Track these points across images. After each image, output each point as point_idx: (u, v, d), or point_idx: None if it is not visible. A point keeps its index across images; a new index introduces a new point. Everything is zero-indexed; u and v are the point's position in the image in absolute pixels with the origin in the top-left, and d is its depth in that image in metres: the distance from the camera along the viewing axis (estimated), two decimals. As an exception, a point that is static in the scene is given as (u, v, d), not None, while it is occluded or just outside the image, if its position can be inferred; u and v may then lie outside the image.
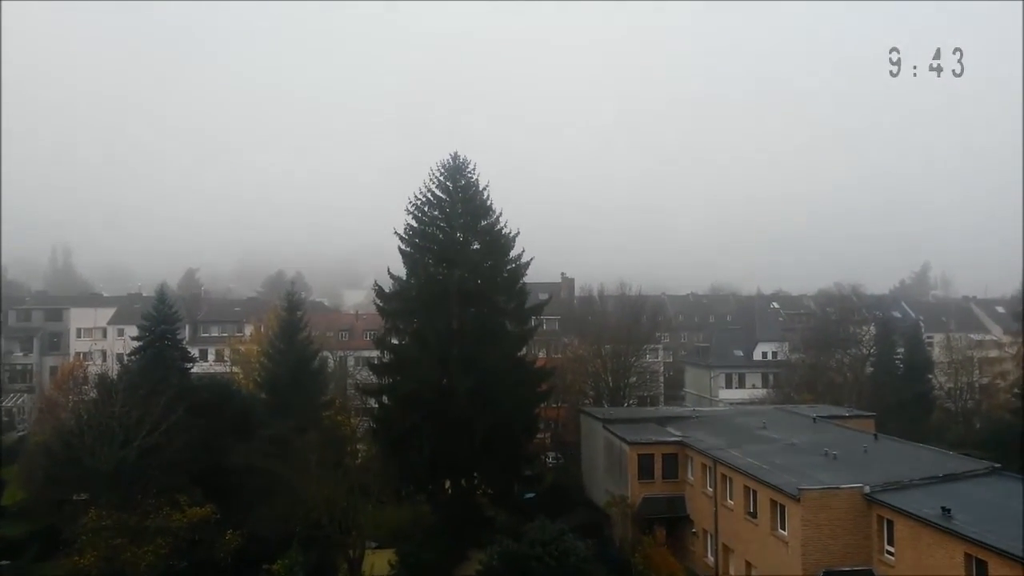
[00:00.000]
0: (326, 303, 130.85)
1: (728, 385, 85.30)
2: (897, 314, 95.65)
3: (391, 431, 47.02)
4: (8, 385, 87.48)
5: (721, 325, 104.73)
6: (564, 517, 39.72)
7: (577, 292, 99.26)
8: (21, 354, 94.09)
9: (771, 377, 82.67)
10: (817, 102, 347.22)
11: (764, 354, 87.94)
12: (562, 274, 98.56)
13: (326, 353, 68.65)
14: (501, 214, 48.58)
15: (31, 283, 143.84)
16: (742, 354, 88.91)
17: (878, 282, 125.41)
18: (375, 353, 54.85)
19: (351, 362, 75.80)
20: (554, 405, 61.60)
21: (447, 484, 46.86)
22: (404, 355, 48.15)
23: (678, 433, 45.90)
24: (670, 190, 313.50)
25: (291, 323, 59.65)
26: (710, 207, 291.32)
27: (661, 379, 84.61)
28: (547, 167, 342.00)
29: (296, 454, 39.32)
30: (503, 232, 48.39)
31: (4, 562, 41.61)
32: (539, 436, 55.18)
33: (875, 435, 42.50)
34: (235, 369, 72.27)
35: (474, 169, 48.64)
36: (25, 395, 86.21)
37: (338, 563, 38.19)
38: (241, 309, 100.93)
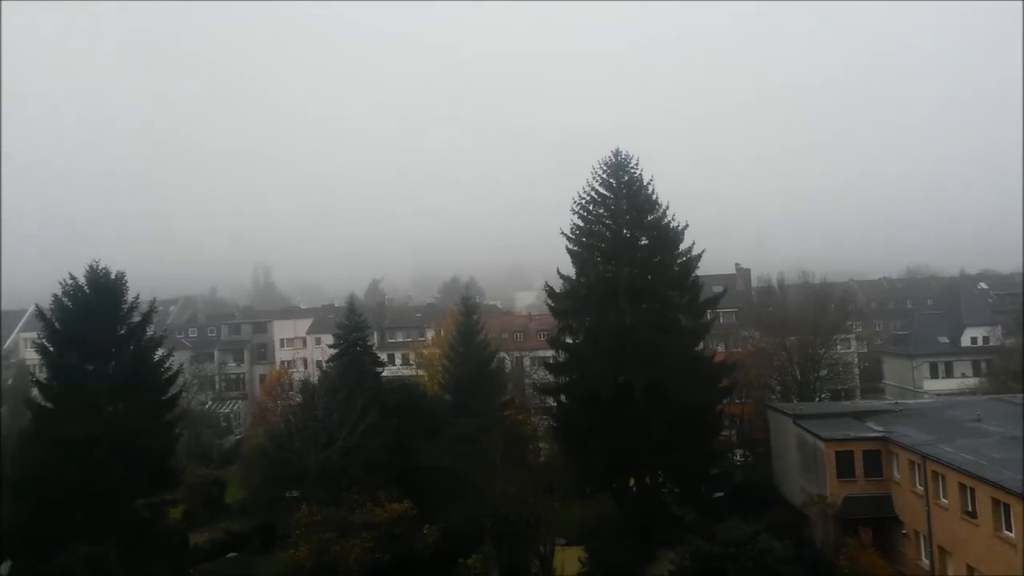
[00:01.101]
0: (499, 305, 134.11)
1: (933, 375, 78.36)
2: None
3: (570, 429, 47.34)
4: (225, 393, 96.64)
5: (921, 310, 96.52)
6: (757, 517, 38.13)
7: (754, 283, 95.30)
8: (234, 364, 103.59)
9: (983, 365, 75.08)
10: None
11: (973, 340, 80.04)
12: (736, 265, 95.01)
13: (503, 354, 70.32)
14: (668, 207, 47.60)
15: (239, 300, 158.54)
16: (948, 341, 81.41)
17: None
18: (550, 353, 55.47)
19: (527, 362, 77.15)
20: (737, 401, 59.47)
21: (631, 482, 46.45)
22: (579, 354, 48.31)
23: (879, 428, 42.78)
24: (848, 167, 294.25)
25: (468, 326, 61.70)
26: (901, 181, 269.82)
27: (856, 371, 79.14)
28: (717, 155, 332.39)
29: (482, 452, 40.49)
30: (671, 226, 47.31)
31: (231, 554, 46.05)
32: (724, 433, 53.44)
33: (1117, 426, 37.39)
34: (420, 372, 75.71)
35: (637, 164, 47.95)
36: (240, 402, 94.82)
37: (529, 559, 38.87)
38: (421, 315, 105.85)
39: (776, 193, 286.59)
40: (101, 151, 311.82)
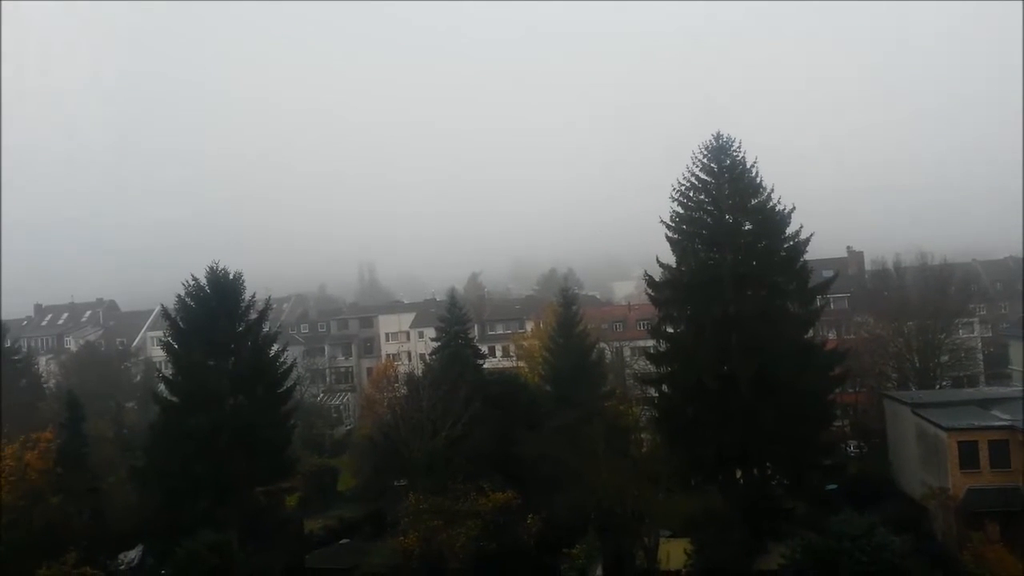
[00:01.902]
0: (597, 296, 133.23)
1: (1067, 360, 72.77)
2: None
3: (674, 420, 46.68)
4: (335, 386, 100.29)
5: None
6: (873, 510, 36.58)
7: (868, 266, 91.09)
8: (343, 358, 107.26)
9: (1124, 348, 68.96)
10: None
11: (1112, 321, 73.67)
12: (848, 248, 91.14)
13: (602, 344, 70.03)
14: (773, 190, 45.97)
15: (345, 296, 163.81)
16: (1083, 322, 75.35)
17: None
18: (650, 343, 54.78)
19: (627, 352, 76.43)
20: (851, 390, 57.11)
21: (738, 474, 45.41)
22: (681, 343, 47.48)
23: (1007, 416, 40.21)
24: (964, 139, 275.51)
25: (567, 318, 61.81)
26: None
27: (979, 357, 74.42)
28: (827, 134, 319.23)
29: (583, 443, 40.50)
30: (776, 209, 45.71)
31: (344, 540, 47.88)
32: (836, 424, 51.43)
33: None
34: (520, 363, 76.30)
35: (740, 147, 46.46)
36: (349, 394, 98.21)
37: (634, 550, 38.64)
38: (521, 307, 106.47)
39: (891, 172, 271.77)
40: (221, 161, 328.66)
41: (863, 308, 75.09)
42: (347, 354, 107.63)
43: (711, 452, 43.44)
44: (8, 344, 70.04)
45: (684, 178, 46.83)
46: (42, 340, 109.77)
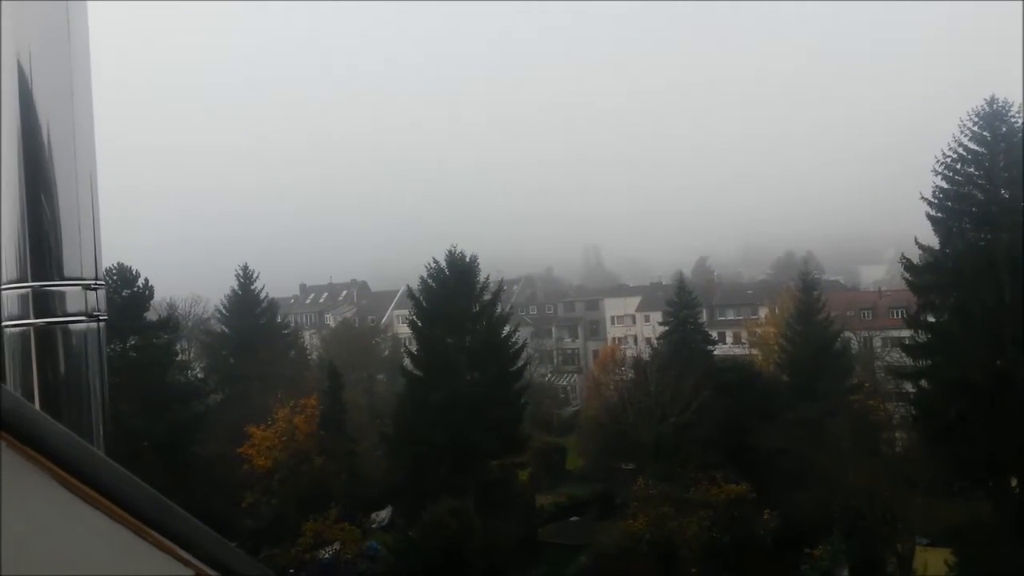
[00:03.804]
0: (841, 281, 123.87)
1: None
2: None
3: (935, 418, 42.28)
4: (561, 366, 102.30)
5: None
6: None
7: None
8: (569, 340, 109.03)
9: None
10: None
11: None
12: None
13: (848, 333, 64.90)
14: (1060, 160, 39.84)
15: (571, 279, 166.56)
16: None
17: None
18: (905, 333, 49.96)
19: (877, 343, 70.35)
20: None
21: (1014, 482, 40.18)
22: (944, 334, 42.79)
23: None
24: None
25: (807, 304, 58.02)
26: None
27: None
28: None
29: (827, 439, 37.94)
30: (1066, 180, 39.68)
31: (573, 518, 48.82)
32: None
33: None
34: (753, 351, 73.05)
35: (1019, 112, 40.88)
36: (575, 375, 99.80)
37: (885, 557, 35.60)
38: (753, 292, 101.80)
39: None
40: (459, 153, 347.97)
41: None
42: (573, 336, 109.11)
43: (980, 456, 38.72)
44: (279, 319, 79.26)
45: (950, 149, 42.11)
46: (306, 316, 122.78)
